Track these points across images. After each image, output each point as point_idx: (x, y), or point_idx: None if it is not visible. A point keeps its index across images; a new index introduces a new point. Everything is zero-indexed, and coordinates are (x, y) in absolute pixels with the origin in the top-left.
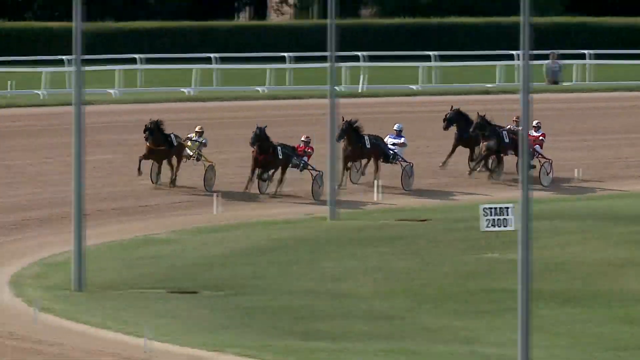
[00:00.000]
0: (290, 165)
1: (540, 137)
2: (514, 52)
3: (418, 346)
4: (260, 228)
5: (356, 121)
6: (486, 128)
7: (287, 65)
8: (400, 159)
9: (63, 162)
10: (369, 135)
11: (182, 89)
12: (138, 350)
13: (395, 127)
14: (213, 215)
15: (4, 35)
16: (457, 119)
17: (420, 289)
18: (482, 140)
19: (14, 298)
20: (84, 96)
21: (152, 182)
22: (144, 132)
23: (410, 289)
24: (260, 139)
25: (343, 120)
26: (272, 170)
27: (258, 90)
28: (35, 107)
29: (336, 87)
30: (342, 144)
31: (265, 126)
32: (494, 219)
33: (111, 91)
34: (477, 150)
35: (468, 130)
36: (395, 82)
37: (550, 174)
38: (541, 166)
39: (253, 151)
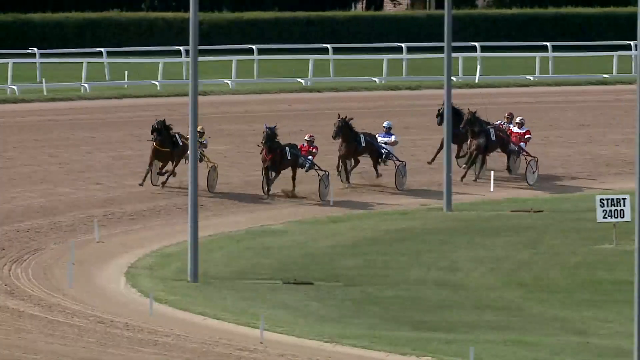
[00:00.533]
0: (298, 166)
1: (526, 135)
2: (630, 43)
3: (531, 337)
4: (375, 219)
5: (351, 119)
6: (475, 124)
7: (402, 56)
8: (394, 158)
9: None
10: (363, 134)
11: (299, 79)
12: (253, 341)
13: (385, 124)
14: (327, 207)
15: (120, 26)
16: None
17: (532, 280)
18: (470, 137)
19: (130, 289)
20: (200, 87)
21: (153, 184)
22: (152, 132)
23: (523, 279)
24: (270, 139)
25: (339, 117)
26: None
27: (375, 81)
28: (152, 98)
29: (452, 78)
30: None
31: (275, 126)
32: (610, 210)
33: (227, 82)
34: (464, 147)
35: (458, 126)
36: (510, 73)
37: (536, 172)
38: (527, 164)
39: (262, 151)
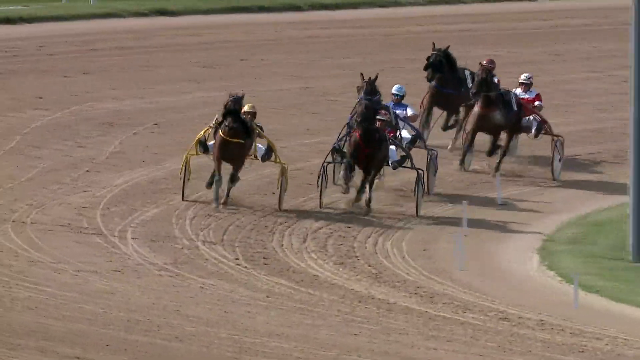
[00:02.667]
0: None
1: (536, 101)
2: None
3: None
4: None
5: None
6: (491, 89)
7: None
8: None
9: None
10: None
11: None
12: None
13: (395, 90)
14: None
15: None
16: (442, 65)
17: None
18: (480, 107)
19: (544, 272)
20: None
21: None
22: (225, 115)
23: None
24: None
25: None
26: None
27: None
28: None
29: None
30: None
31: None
32: None
33: None
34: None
35: (453, 84)
36: None
37: (562, 160)
38: (553, 146)
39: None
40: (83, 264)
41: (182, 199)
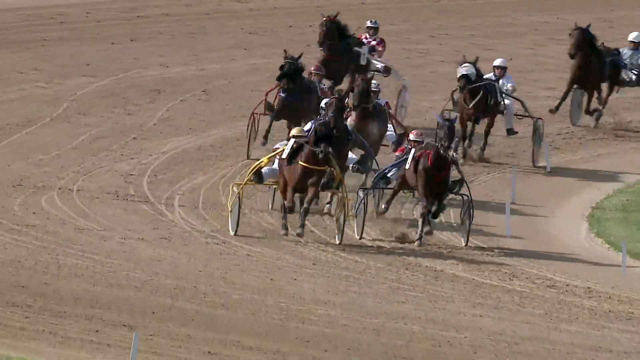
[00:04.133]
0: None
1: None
2: None
3: None
4: None
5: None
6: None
7: None
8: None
9: None
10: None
11: None
12: None
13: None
14: None
15: None
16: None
17: None
18: (357, 119)
19: (593, 239)
20: None
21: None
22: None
23: None
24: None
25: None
26: None
27: None
28: None
29: None
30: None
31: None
32: None
33: None
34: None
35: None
36: None
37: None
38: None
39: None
40: (130, 232)
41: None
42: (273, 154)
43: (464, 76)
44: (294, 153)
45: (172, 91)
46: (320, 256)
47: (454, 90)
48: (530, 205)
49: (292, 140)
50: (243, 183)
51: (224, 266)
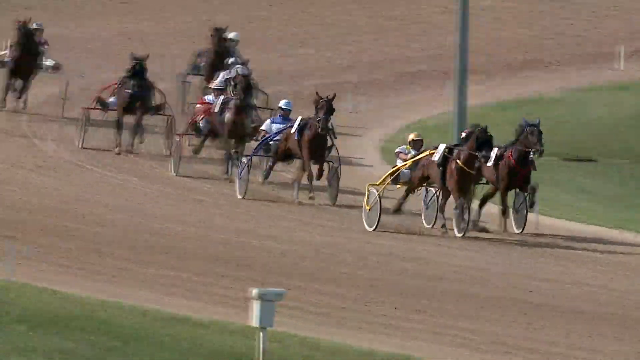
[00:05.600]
0: None
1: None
2: None
3: None
4: None
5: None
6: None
7: None
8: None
9: None
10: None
11: None
12: None
13: (282, 104)
14: (617, 71)
15: None
16: None
17: None
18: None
19: (386, 166)
20: None
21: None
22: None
23: None
24: None
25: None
26: None
27: None
28: None
29: None
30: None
31: None
32: None
33: None
34: None
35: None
36: None
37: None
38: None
39: None
40: (22, 163)
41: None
42: (416, 158)
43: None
44: (446, 156)
45: None
46: (180, 183)
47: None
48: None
49: (443, 145)
50: (379, 183)
51: (100, 192)
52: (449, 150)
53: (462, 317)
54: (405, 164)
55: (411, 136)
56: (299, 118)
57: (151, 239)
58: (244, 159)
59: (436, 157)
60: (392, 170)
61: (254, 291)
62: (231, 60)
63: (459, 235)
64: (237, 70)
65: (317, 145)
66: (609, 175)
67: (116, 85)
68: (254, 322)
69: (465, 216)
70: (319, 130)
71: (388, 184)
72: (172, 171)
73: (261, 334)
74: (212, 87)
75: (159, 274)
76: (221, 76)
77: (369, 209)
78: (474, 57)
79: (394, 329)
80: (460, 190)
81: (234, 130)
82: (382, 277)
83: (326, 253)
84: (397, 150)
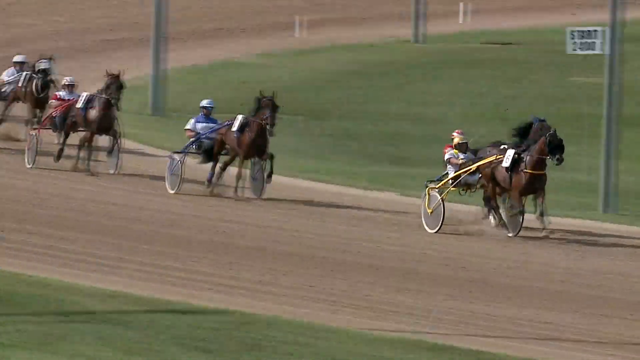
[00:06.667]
0: None
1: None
2: None
3: None
4: (344, 51)
5: None
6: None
7: None
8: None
9: None
10: None
11: None
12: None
13: (205, 103)
14: (295, 38)
15: None
16: None
17: (517, 115)
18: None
19: None
20: None
21: None
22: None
23: (498, 113)
24: None
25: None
26: None
27: None
28: None
29: None
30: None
31: None
32: (581, 42)
33: None
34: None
35: None
36: None
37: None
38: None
39: None
40: None
41: None
42: (480, 163)
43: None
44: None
45: None
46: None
47: None
48: None
49: (512, 150)
50: (439, 187)
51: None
52: (518, 155)
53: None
54: (470, 169)
55: (456, 140)
56: (240, 117)
57: (60, 214)
58: (176, 156)
59: (506, 163)
60: (454, 174)
61: None
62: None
63: (512, 234)
64: (40, 66)
65: (259, 142)
66: (289, 130)
67: None
68: None
69: (521, 219)
70: (268, 127)
71: (450, 189)
72: (28, 164)
73: None
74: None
75: None
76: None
77: (431, 212)
78: (171, 26)
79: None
80: (524, 194)
81: (101, 125)
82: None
83: None
84: (447, 157)
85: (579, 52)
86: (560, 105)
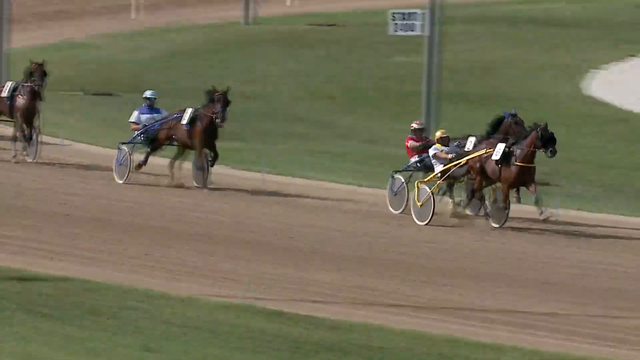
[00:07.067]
0: None
1: None
2: None
3: (339, 148)
4: (178, 33)
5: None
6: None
7: None
8: None
9: None
10: None
11: None
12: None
13: (148, 94)
14: (132, 20)
15: None
16: None
17: (336, 92)
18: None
19: None
20: None
21: None
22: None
23: (328, 92)
24: None
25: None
26: None
27: None
28: None
29: None
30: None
31: None
32: (402, 24)
33: None
34: None
35: None
36: None
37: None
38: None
39: None
40: None
41: None
42: (470, 157)
43: None
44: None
45: None
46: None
47: None
48: None
49: (502, 144)
50: (427, 180)
51: None
52: (509, 149)
53: None
54: (460, 162)
55: (438, 133)
56: (190, 110)
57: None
58: (124, 147)
59: (497, 157)
60: (443, 168)
61: None
62: None
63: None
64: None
65: (209, 135)
66: (130, 106)
67: None
68: None
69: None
70: (218, 121)
71: (440, 182)
72: None
73: None
74: None
75: None
76: None
77: (421, 205)
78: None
79: None
80: (514, 186)
81: (27, 114)
82: None
83: None
84: (432, 152)
85: (400, 33)
86: (383, 83)
